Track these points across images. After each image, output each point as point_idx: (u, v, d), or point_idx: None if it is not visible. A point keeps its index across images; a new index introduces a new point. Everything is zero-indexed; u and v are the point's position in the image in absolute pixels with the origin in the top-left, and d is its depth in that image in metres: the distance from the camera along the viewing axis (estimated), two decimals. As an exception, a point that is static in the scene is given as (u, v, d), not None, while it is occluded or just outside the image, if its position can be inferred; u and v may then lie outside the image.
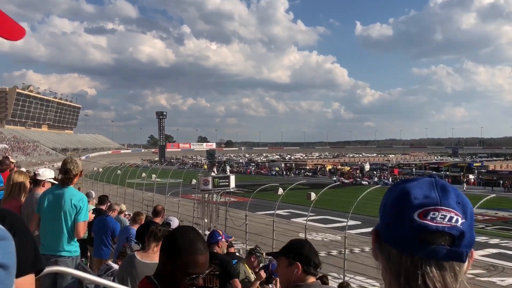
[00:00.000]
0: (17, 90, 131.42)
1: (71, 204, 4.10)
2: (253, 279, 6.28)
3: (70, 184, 4.16)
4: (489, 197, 13.99)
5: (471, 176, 56.51)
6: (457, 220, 0.79)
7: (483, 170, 63.62)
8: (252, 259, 6.73)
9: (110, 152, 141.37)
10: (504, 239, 23.79)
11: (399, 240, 0.81)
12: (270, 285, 6.88)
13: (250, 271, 6.28)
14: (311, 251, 2.45)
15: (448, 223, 0.78)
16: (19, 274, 1.35)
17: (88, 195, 9.89)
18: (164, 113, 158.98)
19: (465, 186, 48.77)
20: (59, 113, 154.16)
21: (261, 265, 7.23)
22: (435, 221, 0.78)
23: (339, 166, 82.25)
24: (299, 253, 2.42)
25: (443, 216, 0.79)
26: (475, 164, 69.60)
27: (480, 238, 22.59)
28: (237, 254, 10.54)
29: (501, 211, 32.48)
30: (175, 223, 5.90)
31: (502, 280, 16.11)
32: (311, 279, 2.41)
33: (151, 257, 3.92)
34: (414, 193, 0.82)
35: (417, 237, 0.79)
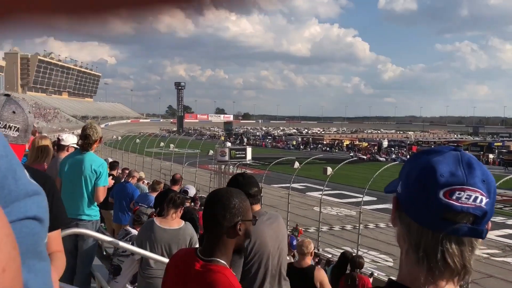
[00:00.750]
0: (39, 57, 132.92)
1: (91, 169, 4.18)
2: None
3: (89, 149, 4.23)
4: (509, 177, 13.79)
5: (491, 156, 55.63)
6: (481, 200, 0.79)
7: (504, 150, 62.54)
8: None
9: (129, 121, 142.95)
10: (521, 220, 23.55)
11: (422, 216, 0.81)
12: (288, 257, 6.98)
13: None
14: (244, 184, 2.54)
15: (473, 203, 0.78)
16: (51, 229, 1.44)
17: (106, 161, 10.08)
18: (183, 83, 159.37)
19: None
20: (79, 81, 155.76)
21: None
22: (460, 201, 0.78)
23: (357, 142, 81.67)
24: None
25: (468, 196, 0.78)
26: (495, 144, 68.38)
27: (497, 219, 22.39)
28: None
29: (520, 192, 32.05)
30: (192, 191, 5.98)
31: (517, 261, 16.05)
32: (257, 208, 2.58)
33: (170, 223, 4.01)
34: (440, 170, 0.81)
35: (441, 216, 0.79)
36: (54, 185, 1.56)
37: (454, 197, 0.79)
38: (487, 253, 16.44)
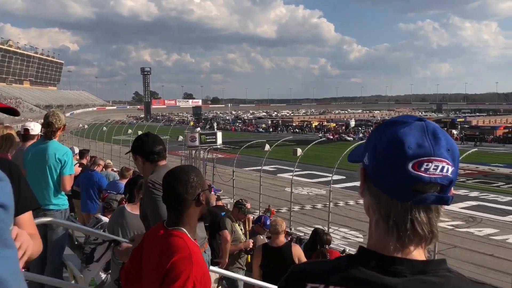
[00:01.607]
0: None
1: (55, 158, 4.09)
2: (239, 232, 6.43)
3: (53, 137, 4.13)
4: (470, 151, 14.27)
5: (454, 132, 57.39)
6: (447, 170, 0.81)
7: (466, 126, 64.64)
8: (235, 212, 6.82)
9: (95, 108, 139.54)
10: (483, 192, 24.54)
11: (391, 188, 0.83)
12: (262, 236, 7.07)
13: (236, 225, 6.42)
14: (150, 143, 2.85)
15: (440, 173, 0.81)
16: (21, 211, 1.43)
17: (72, 149, 9.88)
18: (149, 68, 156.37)
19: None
20: (41, 69, 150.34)
21: (252, 217, 7.39)
22: (428, 172, 0.80)
23: (325, 123, 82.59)
24: (141, 148, 2.86)
25: (435, 167, 0.81)
26: (458, 120, 70.65)
27: (460, 191, 23.25)
28: (225, 208, 10.71)
29: (482, 165, 33.28)
30: None
31: (480, 231, 16.76)
32: (163, 163, 2.85)
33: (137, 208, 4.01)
34: (407, 142, 0.82)
35: (410, 187, 0.81)
36: (19, 170, 1.54)
37: (422, 169, 0.81)
38: (452, 225, 17.07)
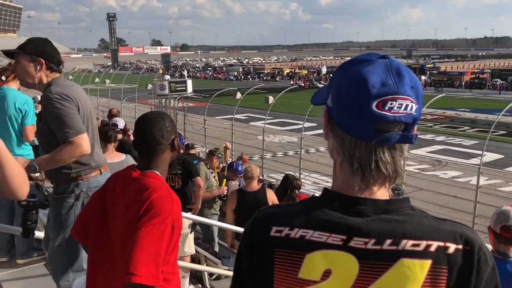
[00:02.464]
0: None
1: (15, 107, 3.92)
2: (213, 179, 6.48)
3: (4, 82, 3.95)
4: (438, 97, 14.53)
5: (423, 77, 58.20)
6: (411, 108, 0.80)
7: (435, 72, 65.58)
8: (214, 160, 6.87)
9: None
10: (449, 136, 25.36)
11: (355, 129, 0.81)
12: (234, 182, 7.16)
13: (209, 171, 6.46)
14: (54, 49, 2.63)
15: (404, 111, 0.79)
16: None
17: (34, 99, 9.51)
18: (114, 14, 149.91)
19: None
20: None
21: (223, 164, 7.44)
22: (392, 111, 0.79)
23: (297, 70, 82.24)
24: (42, 50, 2.54)
25: (400, 105, 0.79)
26: (427, 66, 71.49)
27: (428, 136, 23.94)
28: (197, 156, 10.71)
29: (449, 110, 34.18)
30: (121, 123, 5.88)
31: (445, 173, 17.46)
32: (57, 75, 2.63)
33: (111, 156, 3.97)
34: (371, 81, 0.80)
35: (375, 127, 0.80)
36: None
37: (386, 108, 0.79)
38: (418, 168, 17.72)
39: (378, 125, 0.79)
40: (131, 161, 4.07)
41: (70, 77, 34.39)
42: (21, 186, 1.35)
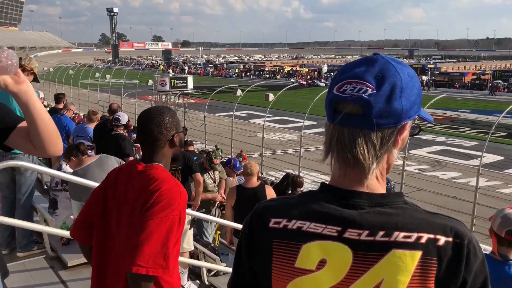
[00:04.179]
0: None
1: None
2: (208, 181, 6.43)
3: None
4: (439, 97, 14.52)
5: (424, 78, 58.13)
6: (365, 91, 0.84)
7: (436, 72, 65.49)
8: (205, 161, 6.67)
9: (60, 51, 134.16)
10: (449, 137, 25.35)
11: (326, 112, 0.89)
12: (231, 178, 7.17)
13: (205, 175, 6.38)
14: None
15: (355, 93, 0.84)
16: (12, 125, 1.40)
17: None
18: (116, 9, 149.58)
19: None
20: (0, 8, 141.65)
21: (220, 161, 7.42)
22: (345, 92, 0.85)
23: (298, 68, 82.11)
24: None
25: (353, 88, 0.84)
26: (428, 66, 71.32)
27: (428, 136, 23.94)
28: (196, 152, 10.72)
29: (449, 110, 34.16)
30: (124, 118, 5.87)
31: (444, 174, 17.45)
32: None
33: (87, 160, 4.33)
34: (344, 69, 0.89)
35: (333, 108, 0.87)
36: None
37: (341, 90, 0.86)
38: (418, 169, 17.74)
39: (335, 105, 0.86)
40: (107, 158, 4.32)
41: (71, 71, 34.36)
42: (56, 142, 1.38)
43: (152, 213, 1.64)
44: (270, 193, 5.32)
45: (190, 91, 23.61)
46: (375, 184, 0.88)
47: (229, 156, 13.28)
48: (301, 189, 6.24)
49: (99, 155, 4.46)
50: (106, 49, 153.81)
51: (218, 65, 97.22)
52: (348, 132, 0.85)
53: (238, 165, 7.32)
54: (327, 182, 0.93)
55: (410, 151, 15.54)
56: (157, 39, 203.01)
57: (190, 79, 23.27)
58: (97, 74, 34.82)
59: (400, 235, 0.83)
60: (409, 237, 0.82)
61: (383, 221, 0.84)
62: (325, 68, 75.14)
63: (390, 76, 0.85)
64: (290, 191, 6.29)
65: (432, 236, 0.83)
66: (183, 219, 1.72)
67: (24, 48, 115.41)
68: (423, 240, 0.82)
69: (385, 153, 0.88)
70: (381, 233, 0.83)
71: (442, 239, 0.83)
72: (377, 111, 0.83)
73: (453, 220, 0.87)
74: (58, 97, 8.89)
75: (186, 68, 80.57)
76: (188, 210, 4.64)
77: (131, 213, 1.73)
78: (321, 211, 0.87)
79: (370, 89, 0.83)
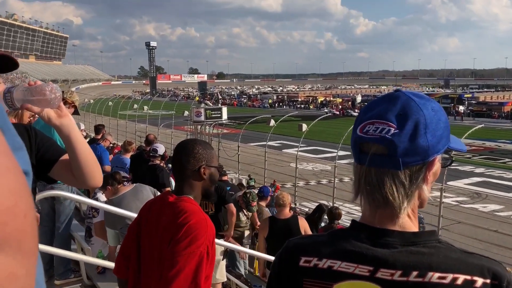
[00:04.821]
0: (1, 19, 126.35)
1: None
2: (242, 219, 6.41)
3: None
4: (477, 127, 14.15)
5: (461, 107, 56.85)
6: (388, 131, 0.83)
7: (473, 101, 63.96)
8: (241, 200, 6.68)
9: (100, 83, 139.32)
10: (489, 168, 24.48)
11: (352, 151, 0.90)
12: (265, 208, 7.18)
13: (240, 213, 6.38)
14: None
15: (378, 134, 0.84)
16: (57, 157, 1.48)
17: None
18: (153, 43, 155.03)
19: (455, 117, 49.14)
20: (46, 43, 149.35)
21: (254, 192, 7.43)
22: (368, 133, 0.85)
23: (331, 98, 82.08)
24: None
25: (375, 128, 0.85)
26: (465, 95, 69.79)
27: (466, 168, 23.23)
28: (230, 183, 10.77)
29: (488, 141, 33.13)
30: (161, 149, 6.00)
31: (484, 207, 16.78)
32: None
33: (122, 190, 4.34)
34: (367, 108, 0.90)
35: (358, 149, 0.87)
36: (34, 128, 1.58)
37: (364, 130, 0.86)
38: (456, 201, 17.15)
39: (360, 147, 0.87)
40: (142, 187, 4.35)
41: (110, 103, 35.57)
42: (96, 174, 1.43)
43: (180, 248, 1.63)
44: (303, 224, 5.26)
45: (224, 121, 23.93)
46: (407, 222, 0.87)
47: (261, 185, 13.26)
48: (338, 221, 6.14)
49: (134, 184, 4.55)
50: (144, 81, 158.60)
51: (252, 95, 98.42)
52: (375, 173, 0.85)
53: (266, 191, 7.41)
54: (357, 220, 0.92)
55: (448, 183, 15.07)
56: (193, 71, 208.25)
57: (224, 109, 23.63)
58: (135, 106, 35.91)
59: (434, 276, 0.80)
60: (444, 278, 0.79)
61: (416, 261, 0.82)
62: (359, 98, 74.78)
63: (413, 113, 0.84)
64: (327, 223, 6.20)
65: (468, 277, 0.79)
66: (212, 253, 1.71)
67: (67, 81, 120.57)
68: (459, 282, 0.79)
69: (416, 190, 0.86)
70: (415, 273, 0.81)
71: (479, 281, 0.79)
72: (402, 149, 0.83)
73: (490, 261, 0.83)
74: (98, 128, 9.19)
75: (219, 97, 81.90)
76: (221, 241, 4.65)
77: (161, 247, 1.73)
78: (352, 250, 0.86)
79: (393, 129, 0.83)
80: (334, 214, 6.09)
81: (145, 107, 35.02)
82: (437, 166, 0.88)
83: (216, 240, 3.64)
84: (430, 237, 0.86)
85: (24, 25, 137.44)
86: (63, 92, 4.14)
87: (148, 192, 4.21)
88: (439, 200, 11.74)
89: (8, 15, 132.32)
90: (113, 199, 4.27)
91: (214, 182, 1.92)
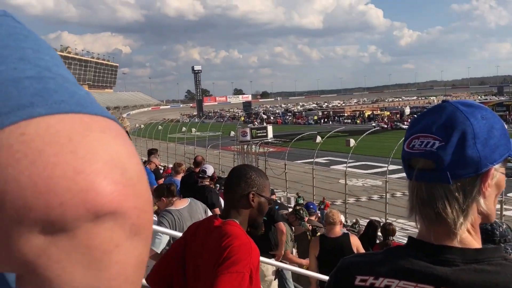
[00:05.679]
0: (57, 53, 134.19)
1: None
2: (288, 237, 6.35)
3: None
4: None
5: (518, 115, 54.12)
6: (433, 145, 0.81)
7: (531, 108, 60.71)
8: (292, 218, 6.65)
9: (150, 108, 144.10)
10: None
11: (403, 168, 0.88)
12: (314, 218, 7.14)
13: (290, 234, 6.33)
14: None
15: (422, 148, 0.82)
16: None
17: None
18: (199, 67, 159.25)
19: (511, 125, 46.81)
20: (98, 72, 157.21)
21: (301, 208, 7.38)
22: (414, 148, 0.84)
23: (378, 111, 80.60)
24: None
25: (421, 142, 0.83)
26: (522, 102, 66.42)
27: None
28: (278, 201, 10.75)
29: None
30: (210, 170, 6.09)
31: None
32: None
33: (177, 204, 4.23)
34: (413, 122, 0.89)
35: (407, 164, 0.86)
36: None
37: (411, 145, 0.85)
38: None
39: (409, 162, 0.86)
40: (196, 205, 4.27)
41: (160, 127, 36.67)
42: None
43: (223, 269, 1.62)
44: (355, 242, 5.13)
45: (270, 140, 24.03)
46: (467, 238, 0.82)
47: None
48: (393, 237, 5.96)
49: (188, 199, 4.52)
50: (191, 105, 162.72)
51: (297, 113, 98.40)
52: (426, 188, 0.82)
53: (312, 206, 7.41)
54: (414, 237, 0.88)
55: (508, 194, 14.31)
56: (238, 92, 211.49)
57: (269, 128, 23.76)
58: (184, 128, 36.80)
59: None
60: None
61: (480, 279, 0.77)
62: (407, 110, 72.97)
63: (458, 124, 0.81)
64: (381, 240, 6.02)
65: None
66: (256, 278, 1.67)
67: (118, 108, 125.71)
68: None
69: (472, 204, 0.81)
70: None
71: None
72: (449, 162, 0.79)
73: None
74: (151, 152, 9.41)
75: (264, 116, 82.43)
76: (272, 261, 4.61)
77: (205, 269, 1.72)
78: (410, 269, 0.82)
79: (438, 142, 0.81)
80: (388, 230, 5.91)
81: (193, 129, 35.88)
82: (498, 177, 0.83)
83: (267, 260, 3.62)
84: (495, 254, 0.81)
85: (77, 56, 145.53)
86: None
87: (201, 210, 4.23)
88: (499, 213, 11.14)
89: (63, 48, 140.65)
90: (171, 210, 4.17)
91: (262, 213, 1.88)
